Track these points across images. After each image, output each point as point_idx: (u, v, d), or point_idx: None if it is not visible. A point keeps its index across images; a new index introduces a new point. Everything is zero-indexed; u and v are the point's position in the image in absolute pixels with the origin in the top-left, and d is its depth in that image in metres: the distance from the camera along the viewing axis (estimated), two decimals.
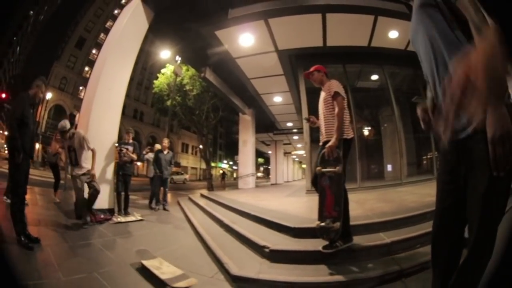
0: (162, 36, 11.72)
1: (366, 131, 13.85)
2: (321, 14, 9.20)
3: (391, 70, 12.44)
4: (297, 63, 11.58)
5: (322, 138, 4.22)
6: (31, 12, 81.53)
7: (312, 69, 4.55)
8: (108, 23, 53.54)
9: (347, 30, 10.08)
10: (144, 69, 53.27)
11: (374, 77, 12.93)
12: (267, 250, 4.11)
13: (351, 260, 3.76)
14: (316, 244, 3.97)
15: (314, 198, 7.59)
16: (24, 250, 4.01)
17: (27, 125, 4.41)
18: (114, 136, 7.96)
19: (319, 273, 3.52)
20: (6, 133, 6.94)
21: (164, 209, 9.26)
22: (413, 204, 6.18)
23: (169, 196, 10.08)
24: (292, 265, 3.81)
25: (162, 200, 9.57)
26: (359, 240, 4.08)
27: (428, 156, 13.29)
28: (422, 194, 7.31)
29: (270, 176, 33.15)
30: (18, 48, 77.26)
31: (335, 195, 3.81)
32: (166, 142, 9.94)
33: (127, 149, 7.84)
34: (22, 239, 4.13)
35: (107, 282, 3.40)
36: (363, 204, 6.85)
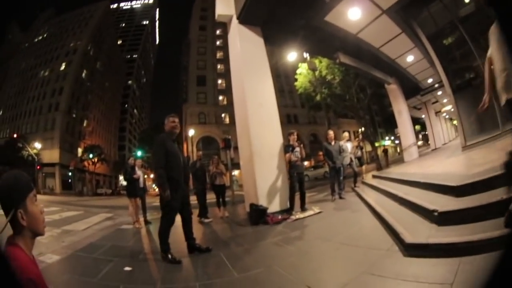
0: (279, 42, 12.16)
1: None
2: None
3: None
4: (406, 15, 11.16)
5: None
6: (129, 82, 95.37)
7: None
8: (218, 54, 59.30)
9: None
10: (278, 77, 55.10)
11: None
12: (435, 213, 4.05)
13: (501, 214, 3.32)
14: (476, 201, 3.87)
15: (469, 155, 8.18)
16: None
17: (175, 157, 4.96)
18: (279, 143, 8.69)
19: (482, 230, 3.30)
20: None
21: (340, 197, 9.46)
22: None
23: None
24: (456, 226, 3.71)
25: (337, 189, 9.73)
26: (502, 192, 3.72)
27: None
28: None
29: (429, 142, 31.55)
30: (135, 111, 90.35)
31: None
32: (330, 133, 10.18)
33: (292, 151, 8.21)
34: (169, 256, 4.69)
35: (286, 272, 3.72)
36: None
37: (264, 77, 9.17)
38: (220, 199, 9.63)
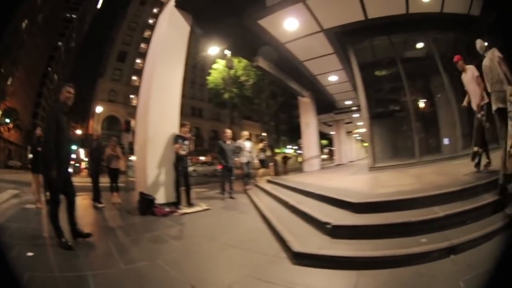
0: (207, 34, 11.93)
1: (421, 103, 13.45)
2: None
3: (434, 36, 11.96)
4: (345, 39, 11.47)
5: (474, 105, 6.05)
6: (60, 43, 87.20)
7: (456, 59, 6.74)
8: (146, 33, 55.75)
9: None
10: (194, 68, 53.91)
11: (419, 45, 12.45)
12: (329, 226, 4.21)
13: (407, 234, 3.79)
14: (376, 219, 4.18)
15: (375, 175, 8.18)
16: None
17: (63, 132, 4.62)
18: (174, 131, 8.34)
19: (375, 248, 3.59)
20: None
21: (231, 197, 9.44)
22: (466, 177, 5.78)
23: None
24: (352, 240, 3.93)
25: (228, 189, 9.72)
26: (415, 214, 4.13)
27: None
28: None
29: (334, 157, 32.68)
30: (55, 76, 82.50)
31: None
32: (227, 132, 10.21)
33: (183, 143, 8.03)
34: (63, 240, 4.36)
35: (169, 267, 3.68)
36: (421, 177, 6.88)
37: (177, 65, 8.91)
38: (114, 184, 9.26)
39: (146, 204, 7.13)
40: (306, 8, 9.54)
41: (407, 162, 10.47)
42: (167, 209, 7.12)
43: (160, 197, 7.53)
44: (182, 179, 7.99)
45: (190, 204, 7.90)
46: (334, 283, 3.23)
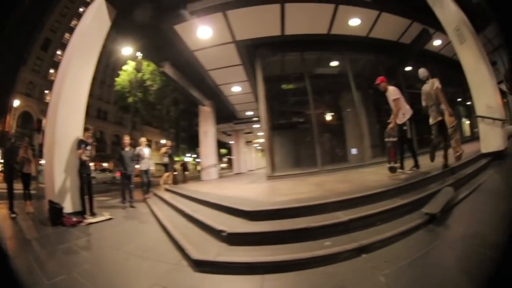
0: (125, 33, 11.41)
1: (328, 116, 14.36)
2: (280, 4, 9.35)
3: (352, 56, 12.86)
4: (255, 52, 11.76)
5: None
6: None
7: (378, 81, 7.67)
8: (73, 22, 51.30)
9: (306, 19, 10.31)
10: (106, 67, 50.52)
11: (334, 63, 13.29)
12: (224, 234, 4.32)
13: (308, 239, 3.97)
14: (271, 226, 4.31)
15: (273, 184, 8.52)
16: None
17: None
18: (78, 136, 7.76)
19: (275, 253, 3.73)
20: None
21: (131, 206, 9.10)
22: (373, 183, 6.37)
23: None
24: (249, 246, 4.08)
25: (128, 197, 9.40)
26: (316, 220, 4.35)
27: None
28: (384, 174, 7.57)
29: (233, 166, 32.96)
30: None
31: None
32: (127, 139, 9.84)
33: (85, 148, 7.57)
34: None
35: (85, 280, 3.59)
36: (322, 185, 7.18)
37: (90, 61, 8.43)
38: (26, 191, 8.54)
39: (56, 214, 6.77)
40: (224, 18, 9.68)
41: (308, 171, 10.94)
42: (74, 219, 6.83)
43: (68, 206, 7.12)
44: (86, 187, 7.59)
45: (93, 214, 7.57)
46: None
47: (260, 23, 10.20)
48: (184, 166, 18.18)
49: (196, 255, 3.89)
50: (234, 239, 4.23)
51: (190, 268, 3.77)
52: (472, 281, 2.61)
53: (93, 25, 8.45)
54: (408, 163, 7.36)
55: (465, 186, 5.78)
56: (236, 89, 16.73)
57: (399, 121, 7.06)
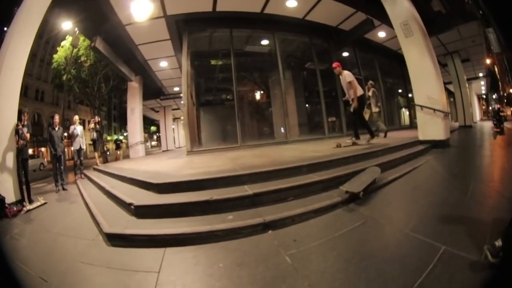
0: (65, 6, 10.54)
1: (255, 94, 14.62)
2: None
3: (284, 36, 12.97)
4: (184, 27, 11.57)
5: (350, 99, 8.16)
6: None
7: (335, 65, 8.44)
8: None
9: None
10: (47, 43, 47.65)
11: (264, 42, 13.28)
12: (132, 207, 4.29)
13: (212, 212, 3.86)
14: (177, 198, 4.34)
15: (191, 159, 8.75)
16: None
17: None
18: (14, 121, 7.13)
19: (178, 226, 3.68)
20: None
21: (63, 189, 8.69)
22: (290, 158, 6.44)
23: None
24: (155, 219, 4.02)
25: (60, 180, 8.84)
26: (222, 192, 4.22)
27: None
28: (304, 151, 7.72)
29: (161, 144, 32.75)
30: None
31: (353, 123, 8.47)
32: (57, 118, 9.28)
33: (22, 130, 7.06)
34: None
35: (25, 266, 3.44)
36: (237, 159, 7.25)
37: (28, 35, 7.61)
38: None
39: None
40: None
41: (228, 147, 11.19)
42: (15, 208, 6.53)
43: (9, 196, 6.64)
44: (22, 173, 7.17)
45: (30, 201, 7.16)
46: (141, 261, 3.17)
47: None
48: (117, 144, 17.53)
49: (107, 229, 3.91)
50: (141, 211, 4.18)
51: (104, 243, 3.78)
52: (393, 270, 2.41)
53: None
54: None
55: (399, 167, 5.92)
56: (163, 64, 16.64)
57: (355, 99, 7.99)
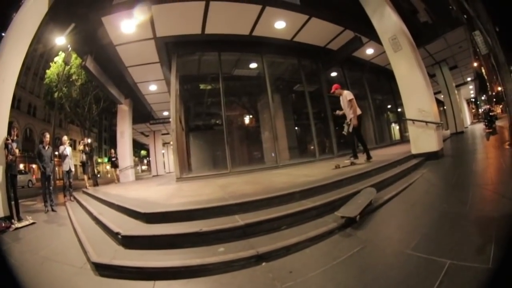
0: (59, 21, 10.53)
1: (244, 119, 14.73)
2: (204, 1, 9.12)
3: (273, 59, 12.92)
4: (173, 50, 11.50)
5: (348, 119, 8.27)
6: None
7: (334, 87, 8.68)
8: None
9: (229, 19, 10.17)
10: (41, 57, 46.10)
11: (253, 65, 13.22)
12: (120, 236, 4.20)
13: (202, 244, 3.75)
14: (165, 229, 4.25)
15: (180, 186, 8.64)
16: None
17: None
18: (4, 134, 7.10)
19: (167, 258, 3.57)
20: None
21: (52, 210, 8.55)
22: (281, 184, 6.27)
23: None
24: (143, 250, 3.90)
25: (49, 200, 8.70)
26: (212, 223, 4.12)
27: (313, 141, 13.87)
28: (295, 175, 7.61)
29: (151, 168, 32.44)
30: None
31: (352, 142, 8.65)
32: (47, 136, 9.13)
33: (11, 145, 7.04)
34: None
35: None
36: (227, 187, 7.08)
37: (22, 45, 7.68)
38: None
39: None
40: (149, 12, 9.30)
41: (218, 173, 11.04)
42: (3, 224, 6.57)
43: None
44: (11, 189, 7.11)
45: (19, 219, 7.09)
46: None
47: (182, 20, 9.95)
48: (113, 161, 17.33)
49: (95, 258, 3.80)
50: (129, 242, 4.10)
51: (92, 272, 3.65)
52: None
53: (29, 8, 7.79)
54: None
55: (395, 185, 5.87)
56: (153, 87, 16.48)
57: (355, 117, 8.14)
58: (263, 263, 3.21)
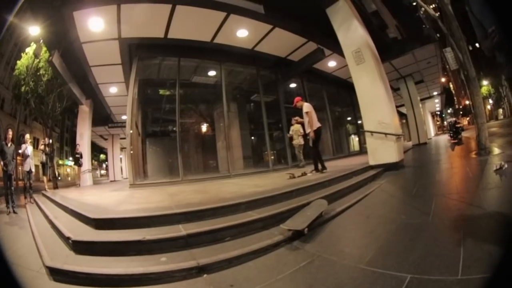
0: (35, 10, 10.16)
1: (199, 126, 14.91)
2: (171, 5, 9.14)
3: (232, 68, 13.15)
4: (135, 52, 11.49)
5: (307, 131, 8.59)
6: None
7: (296, 100, 8.92)
8: None
9: (193, 24, 10.22)
10: (15, 45, 43.23)
11: (211, 73, 13.34)
12: (70, 241, 4.16)
13: (146, 252, 3.75)
14: (113, 235, 4.26)
15: (133, 192, 8.66)
16: None
17: None
18: None
19: (112, 265, 3.54)
20: None
21: (14, 211, 8.32)
22: (229, 195, 6.26)
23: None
24: (91, 256, 3.85)
25: (11, 202, 8.45)
26: (156, 232, 4.14)
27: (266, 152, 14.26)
28: (245, 185, 7.66)
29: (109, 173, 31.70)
30: None
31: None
32: (10, 133, 8.96)
33: None
34: None
35: None
36: (176, 195, 7.08)
37: None
38: None
39: None
40: (117, 11, 9.23)
41: (170, 181, 11.06)
42: None
43: None
44: None
45: None
46: None
47: (147, 22, 9.91)
48: (77, 159, 16.82)
49: (48, 262, 3.76)
50: (79, 247, 4.05)
51: (47, 276, 3.58)
52: None
53: None
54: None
55: (349, 196, 5.93)
56: (114, 90, 16.32)
57: (313, 129, 8.34)
58: (204, 275, 3.19)
